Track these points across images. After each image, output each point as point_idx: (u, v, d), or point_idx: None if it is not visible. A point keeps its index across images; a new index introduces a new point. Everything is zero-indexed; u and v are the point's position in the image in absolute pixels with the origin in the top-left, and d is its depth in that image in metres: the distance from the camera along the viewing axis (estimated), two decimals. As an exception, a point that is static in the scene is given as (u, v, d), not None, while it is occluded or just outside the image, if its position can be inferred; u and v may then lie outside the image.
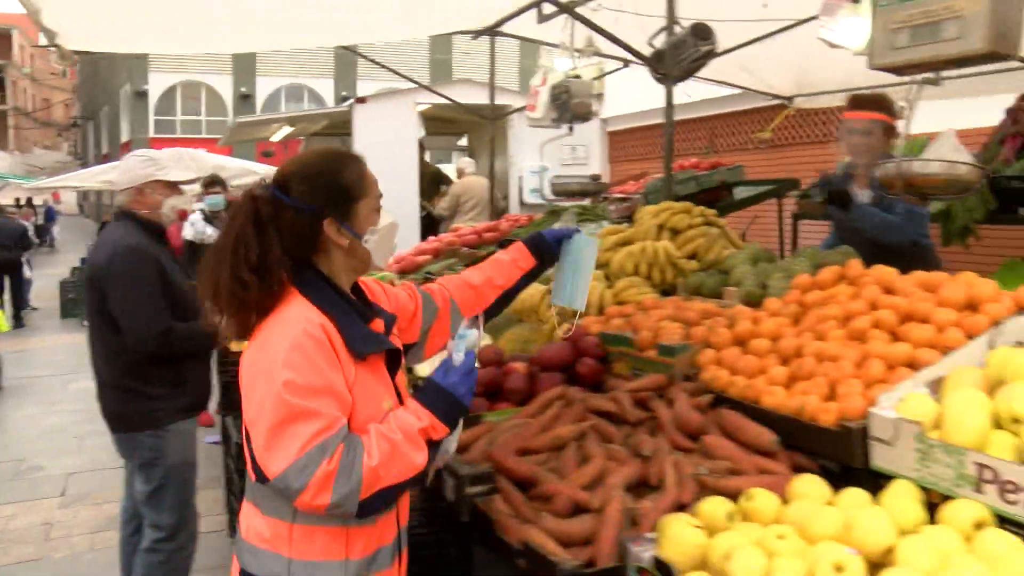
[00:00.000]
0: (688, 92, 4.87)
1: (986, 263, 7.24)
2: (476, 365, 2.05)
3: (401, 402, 2.12)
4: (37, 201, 29.62)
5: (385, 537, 2.09)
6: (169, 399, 3.70)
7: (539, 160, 10.26)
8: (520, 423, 2.88)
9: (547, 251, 2.67)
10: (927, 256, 3.90)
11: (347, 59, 28.91)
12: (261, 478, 1.94)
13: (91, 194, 26.45)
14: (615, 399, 2.83)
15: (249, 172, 16.03)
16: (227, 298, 1.97)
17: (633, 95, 10.88)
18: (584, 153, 10.46)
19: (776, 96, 7.67)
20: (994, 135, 5.08)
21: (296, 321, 1.95)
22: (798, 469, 2.42)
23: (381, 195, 2.19)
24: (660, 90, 4.74)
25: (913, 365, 2.39)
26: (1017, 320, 2.40)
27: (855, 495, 2.12)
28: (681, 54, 4.54)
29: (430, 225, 9.93)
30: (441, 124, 10.68)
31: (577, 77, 5.69)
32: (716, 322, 3.07)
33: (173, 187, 3.84)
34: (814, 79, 6.92)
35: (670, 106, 4.53)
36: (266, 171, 16.57)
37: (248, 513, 2.08)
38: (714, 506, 2.13)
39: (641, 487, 2.43)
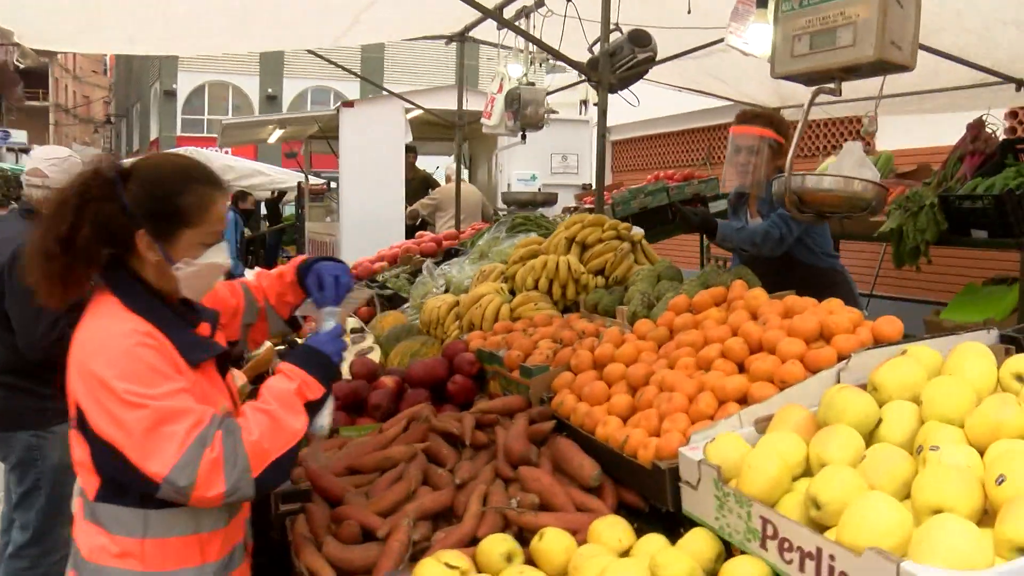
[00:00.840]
0: (630, 101, 4.63)
1: (944, 286, 6.97)
2: (346, 340, 2.12)
3: (235, 402, 2.07)
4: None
5: (237, 535, 2.04)
6: (60, 400, 3.58)
7: (528, 168, 10.13)
8: (363, 441, 2.72)
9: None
10: (834, 278, 3.67)
11: (374, 63, 28.97)
12: (105, 495, 1.88)
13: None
14: (459, 420, 2.64)
15: (258, 173, 16.07)
16: (35, 263, 1.91)
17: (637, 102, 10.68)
18: (575, 162, 10.27)
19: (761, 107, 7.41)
20: (952, 152, 4.81)
21: (121, 333, 1.84)
22: (625, 507, 2.23)
23: (220, 232, 2.01)
24: (665, 100, 4.54)
25: (746, 400, 2.17)
26: (867, 355, 2.17)
27: (652, 541, 1.92)
28: (617, 61, 4.33)
29: (421, 229, 9.79)
30: (441, 129, 10.54)
31: (531, 84, 5.52)
32: (582, 343, 2.87)
33: None
34: (793, 90, 6.65)
35: (603, 116, 4.32)
36: (276, 172, 16.58)
37: (87, 532, 1.93)
38: (492, 545, 1.94)
39: (451, 516, 2.26)
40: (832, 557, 1.52)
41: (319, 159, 13.47)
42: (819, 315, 2.34)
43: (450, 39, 6.85)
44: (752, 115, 3.83)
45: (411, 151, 10.04)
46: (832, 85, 2.79)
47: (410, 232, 9.65)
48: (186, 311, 2.04)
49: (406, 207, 9.90)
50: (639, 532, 1.99)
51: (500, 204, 6.13)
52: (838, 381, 2.16)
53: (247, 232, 13.88)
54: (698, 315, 2.73)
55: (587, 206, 6.73)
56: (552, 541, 1.96)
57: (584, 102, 13.15)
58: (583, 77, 4.65)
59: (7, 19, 5.31)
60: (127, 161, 2.04)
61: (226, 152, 17.99)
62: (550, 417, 2.61)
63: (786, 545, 1.65)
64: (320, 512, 2.25)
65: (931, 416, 1.84)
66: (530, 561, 1.96)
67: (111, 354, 1.80)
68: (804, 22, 2.77)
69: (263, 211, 16.76)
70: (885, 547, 1.44)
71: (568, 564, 1.89)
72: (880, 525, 1.48)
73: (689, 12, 4.25)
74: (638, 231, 3.90)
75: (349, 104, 9.56)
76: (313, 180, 13.87)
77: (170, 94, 30.65)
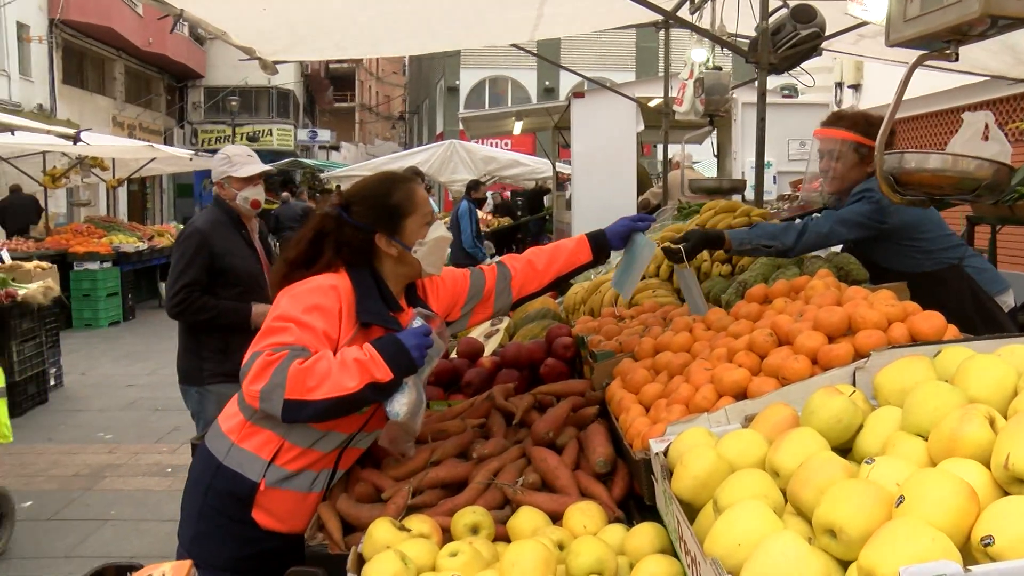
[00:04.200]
0: (802, 81, 4.41)
1: None
2: (433, 338, 2.26)
3: None
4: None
5: (314, 466, 2.37)
6: (215, 362, 4.11)
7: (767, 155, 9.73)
8: (437, 414, 2.88)
9: (603, 248, 2.87)
10: (944, 278, 3.25)
11: (648, 52, 28.96)
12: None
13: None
14: (515, 401, 2.73)
15: (517, 164, 16.70)
16: (277, 275, 2.48)
17: (895, 84, 9.95)
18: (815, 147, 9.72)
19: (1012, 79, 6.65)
20: None
21: (325, 278, 2.38)
22: (636, 497, 2.21)
23: (431, 211, 2.52)
24: (925, 78, 4.23)
25: (746, 394, 2.08)
26: (889, 354, 1.99)
27: (611, 531, 1.93)
28: (779, 40, 4.15)
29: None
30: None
31: (717, 69, 5.39)
32: (650, 331, 2.84)
33: (245, 181, 4.29)
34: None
35: (762, 98, 4.15)
36: (535, 163, 17.09)
37: (231, 402, 2.51)
38: (462, 516, 2.03)
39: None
40: (698, 563, 1.47)
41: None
42: (850, 308, 2.18)
43: (655, 26, 6.80)
44: (837, 117, 3.50)
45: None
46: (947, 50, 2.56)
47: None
48: (395, 302, 2.47)
49: (638, 196, 9.90)
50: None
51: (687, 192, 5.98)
52: (853, 381, 2.01)
53: (495, 222, 14.48)
54: (765, 305, 2.61)
55: (796, 193, 6.43)
56: (522, 520, 2.02)
57: (839, 84, 12.45)
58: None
59: (250, 39, 6.04)
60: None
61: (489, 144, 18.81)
62: (598, 402, 2.63)
63: (685, 548, 1.61)
64: (355, 473, 2.45)
65: (906, 425, 1.68)
66: (504, 537, 2.03)
67: (305, 286, 2.36)
68: (916, -20, 2.55)
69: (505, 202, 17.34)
70: (733, 558, 1.37)
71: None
72: (734, 536, 1.41)
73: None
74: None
75: (580, 95, 9.71)
76: (565, 169, 14.21)
77: (453, 90, 32.54)
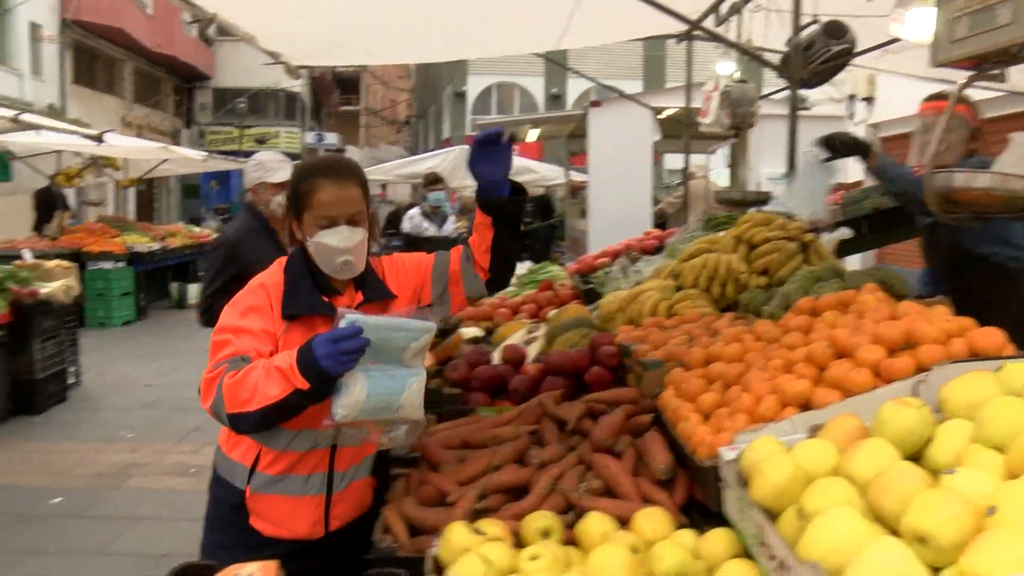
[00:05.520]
0: (835, 95, 4.47)
1: None
2: (350, 343, 2.07)
3: None
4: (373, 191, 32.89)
5: (299, 469, 2.39)
6: None
7: (780, 166, 9.81)
8: (487, 420, 2.94)
9: (492, 208, 2.59)
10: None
11: (655, 62, 29.15)
12: None
13: (419, 186, 28.80)
14: (567, 408, 2.78)
15: (528, 170, 16.74)
16: None
17: (910, 97, 10.03)
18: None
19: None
20: None
21: (258, 277, 2.48)
22: (698, 505, 2.27)
23: (332, 221, 2.34)
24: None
25: (809, 405, 2.14)
26: (951, 368, 2.05)
27: (682, 536, 1.98)
28: (811, 55, 4.22)
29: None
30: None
31: (742, 82, 5.45)
32: (700, 341, 2.90)
33: (279, 186, 4.34)
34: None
35: (794, 113, 4.22)
36: (546, 170, 17.18)
37: None
38: (533, 520, 2.08)
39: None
40: (789, 568, 1.53)
41: (584, 157, 13.87)
42: (908, 323, 2.24)
43: (681, 38, 6.87)
44: (938, 94, 3.58)
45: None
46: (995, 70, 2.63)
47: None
48: (326, 284, 2.41)
49: (654, 204, 9.98)
50: (704, 532, 2.01)
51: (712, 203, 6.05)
52: (914, 394, 2.07)
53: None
54: (814, 318, 2.67)
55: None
56: (591, 524, 2.07)
57: (852, 97, 12.52)
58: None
59: (278, 44, 6.13)
60: None
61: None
62: (652, 411, 2.68)
63: (769, 553, 1.66)
64: (415, 477, 2.51)
65: (979, 438, 1.73)
66: (572, 541, 2.08)
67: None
68: (964, 2, 2.62)
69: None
70: (829, 562, 1.42)
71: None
72: (829, 542, 1.46)
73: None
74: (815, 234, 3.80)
75: (597, 104, 9.79)
76: (578, 177, 14.28)
77: (460, 96, 32.65)
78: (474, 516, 2.22)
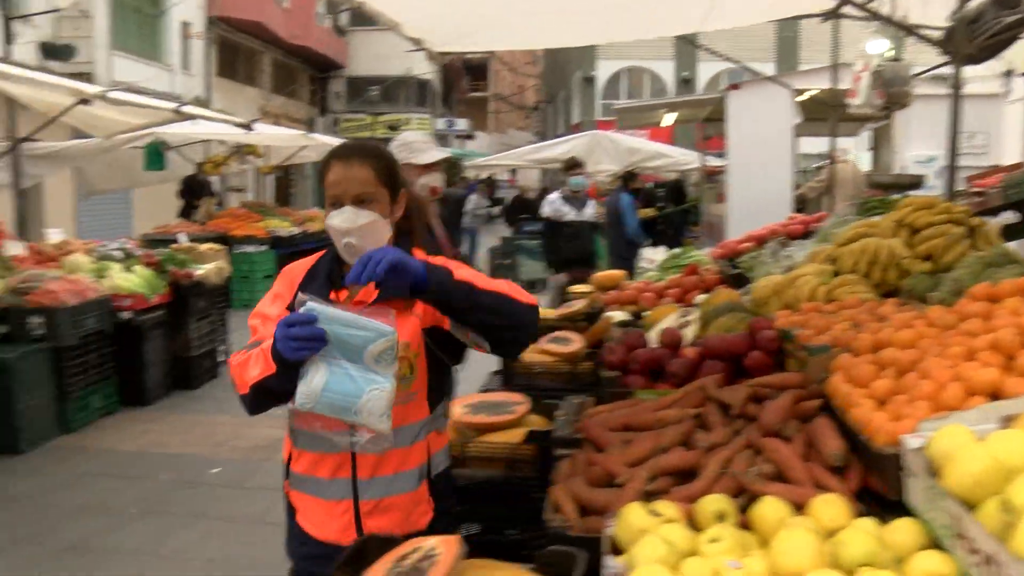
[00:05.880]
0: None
1: None
2: (299, 330, 1.99)
3: None
4: (500, 176, 33.21)
5: (320, 471, 2.34)
6: None
7: (929, 149, 9.42)
8: (648, 403, 2.94)
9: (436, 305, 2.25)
10: None
11: (788, 42, 28.28)
12: None
13: (549, 171, 28.94)
14: (731, 392, 2.76)
15: (661, 155, 16.59)
16: None
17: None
18: (983, 141, 9.33)
19: None
20: None
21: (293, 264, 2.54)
22: (873, 494, 2.22)
23: (337, 200, 2.27)
24: None
25: (998, 394, 2.06)
26: None
27: (863, 524, 1.94)
28: (978, 29, 4.02)
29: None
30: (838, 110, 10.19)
31: (896, 60, 5.25)
32: (868, 327, 2.82)
33: (424, 168, 4.34)
34: None
35: (956, 92, 4.05)
36: (680, 154, 16.98)
37: None
38: (708, 503, 2.08)
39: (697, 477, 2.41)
40: (1000, 563, 1.48)
41: (719, 141, 13.63)
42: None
43: (826, 17, 6.65)
44: None
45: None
46: None
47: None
48: (340, 279, 2.32)
49: (795, 188, 9.74)
50: (884, 520, 1.97)
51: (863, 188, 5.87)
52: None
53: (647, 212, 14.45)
54: (994, 304, 2.57)
55: (975, 189, 6.21)
56: (767, 509, 2.05)
57: (1009, 72, 11.87)
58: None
59: (421, 31, 6.26)
60: None
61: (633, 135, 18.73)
62: (818, 396, 2.63)
63: (970, 547, 1.62)
64: (581, 457, 2.54)
65: None
66: (746, 525, 2.07)
67: None
68: None
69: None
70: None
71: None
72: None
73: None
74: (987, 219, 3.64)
75: (736, 87, 9.60)
76: (715, 161, 14.05)
77: (589, 80, 32.55)
78: (643, 498, 2.24)
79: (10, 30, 13.92)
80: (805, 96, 9.46)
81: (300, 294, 2.11)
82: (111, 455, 6.67)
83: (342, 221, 2.24)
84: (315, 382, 2.00)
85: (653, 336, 3.66)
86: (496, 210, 26.00)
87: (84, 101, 7.53)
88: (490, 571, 1.81)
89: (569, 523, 2.24)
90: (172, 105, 8.20)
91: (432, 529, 2.32)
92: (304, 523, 2.39)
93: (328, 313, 1.99)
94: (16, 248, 7.86)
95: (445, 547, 1.78)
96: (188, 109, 8.61)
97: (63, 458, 6.60)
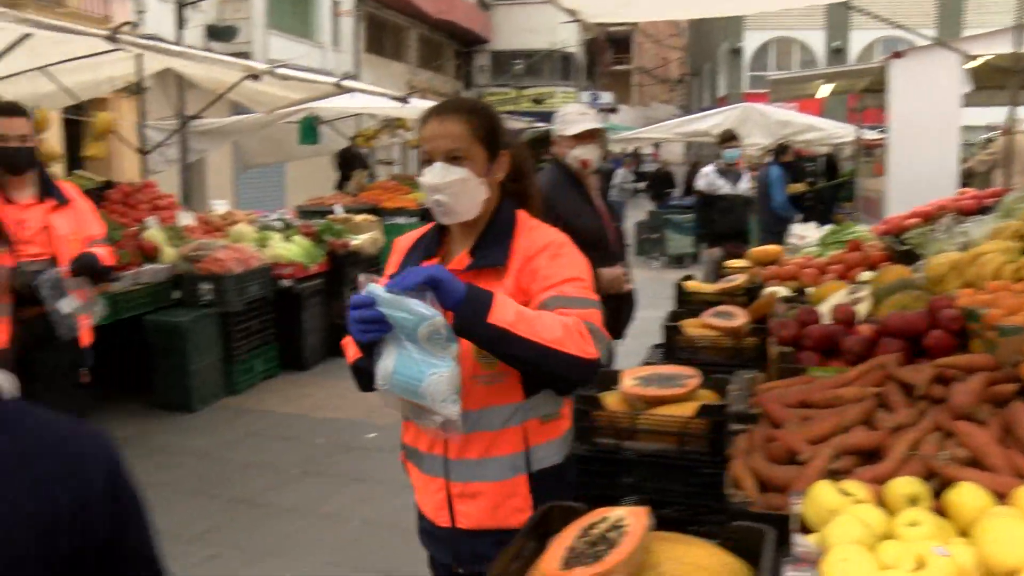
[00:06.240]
0: None
1: None
2: (359, 312, 1.94)
3: None
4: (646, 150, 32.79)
5: (419, 443, 2.30)
6: None
7: None
8: (825, 380, 2.85)
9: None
10: None
11: (950, 5, 26.68)
12: None
13: (694, 145, 28.47)
14: (914, 371, 2.64)
15: (812, 128, 16.01)
16: None
17: None
18: None
19: None
20: None
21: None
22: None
23: (430, 157, 2.21)
24: None
25: None
26: None
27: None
28: None
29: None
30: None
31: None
32: (1070, 307, 2.64)
33: (575, 139, 4.33)
34: None
35: None
36: (833, 127, 16.33)
37: None
38: (899, 485, 2.00)
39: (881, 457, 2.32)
40: None
41: (876, 113, 13.02)
42: None
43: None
44: None
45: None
46: None
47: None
48: (435, 247, 2.35)
49: (961, 162, 9.20)
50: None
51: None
52: None
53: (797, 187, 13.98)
54: None
55: None
56: (965, 496, 1.95)
57: None
58: None
59: (576, 2, 6.23)
60: None
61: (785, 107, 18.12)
62: (1013, 380, 2.49)
63: None
64: (759, 433, 2.48)
65: None
66: (938, 511, 1.98)
67: None
68: None
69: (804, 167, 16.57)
70: None
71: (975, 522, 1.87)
72: None
73: None
74: None
75: (899, 55, 9.12)
76: (871, 135, 13.45)
77: (736, 52, 31.69)
78: (828, 477, 2.17)
79: (182, 16, 14.67)
80: (978, 62, 8.87)
81: (361, 275, 2.01)
82: (273, 416, 7.00)
83: (432, 178, 2.18)
84: (387, 364, 1.96)
85: (827, 312, 3.54)
86: (641, 185, 25.76)
87: (254, 77, 7.88)
88: (679, 545, 1.79)
89: (750, 499, 2.20)
90: (332, 79, 8.48)
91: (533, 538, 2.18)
92: (416, 495, 2.37)
93: (382, 296, 1.92)
94: (187, 218, 8.31)
95: (634, 518, 1.76)
96: (348, 83, 8.87)
97: (230, 418, 6.98)
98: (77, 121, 11.39)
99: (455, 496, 2.24)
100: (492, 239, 2.25)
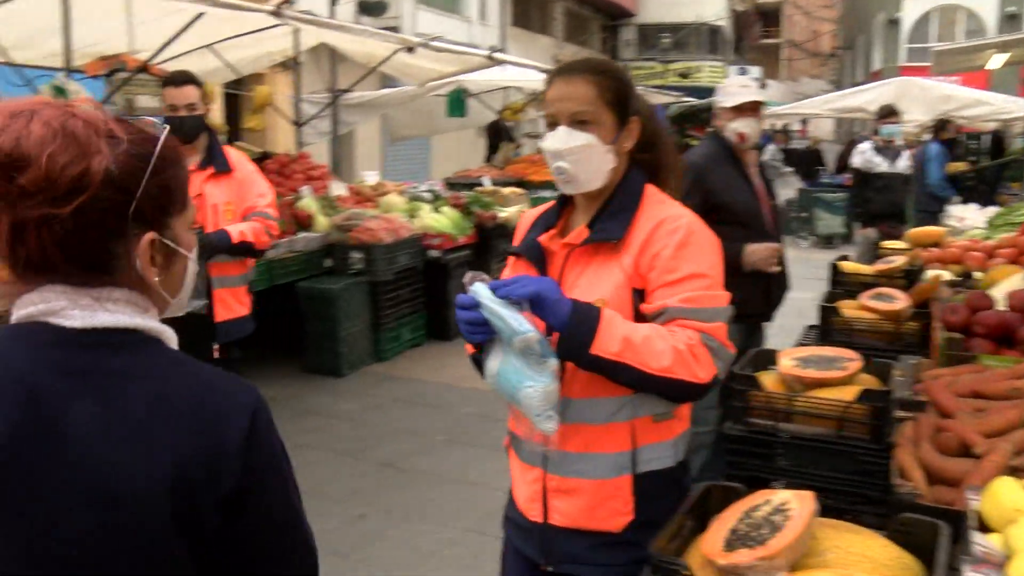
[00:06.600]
0: None
1: None
2: (463, 313, 1.87)
3: None
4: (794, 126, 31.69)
5: (521, 429, 2.14)
6: None
7: None
8: (999, 371, 2.70)
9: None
10: None
11: None
12: None
13: (844, 122, 27.38)
14: (1105, 365, 2.46)
15: (980, 103, 15.05)
16: None
17: None
18: None
19: None
20: None
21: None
22: None
23: (553, 120, 2.08)
24: None
25: None
26: None
27: None
28: None
29: None
30: None
31: None
32: None
33: (734, 111, 4.19)
34: None
35: None
36: (1003, 102, 15.33)
37: None
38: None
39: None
40: None
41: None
42: None
43: None
44: None
45: None
46: None
47: None
48: (554, 219, 2.19)
49: None
50: None
51: None
52: None
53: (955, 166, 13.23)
54: None
55: None
56: None
57: None
58: None
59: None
60: None
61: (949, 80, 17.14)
62: None
63: None
64: (927, 422, 2.37)
65: None
66: None
67: None
68: None
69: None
70: None
71: None
72: None
73: None
74: None
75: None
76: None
77: (893, 23, 30.05)
78: (1008, 474, 2.05)
79: (334, -8, 15.08)
80: None
81: (468, 274, 1.88)
82: (418, 384, 7.17)
83: (554, 143, 2.02)
84: (492, 365, 1.90)
85: (1002, 298, 3.34)
86: (788, 169, 24.99)
87: (409, 50, 8.05)
88: (845, 532, 1.73)
89: (918, 491, 2.10)
90: (483, 52, 8.56)
91: (625, 538, 2.05)
92: (512, 483, 2.25)
93: (484, 300, 1.83)
94: (339, 189, 8.57)
95: (800, 502, 1.71)
96: (501, 55, 8.95)
97: (377, 384, 7.19)
98: (236, 95, 11.93)
99: (551, 490, 2.09)
100: (613, 212, 2.08)
